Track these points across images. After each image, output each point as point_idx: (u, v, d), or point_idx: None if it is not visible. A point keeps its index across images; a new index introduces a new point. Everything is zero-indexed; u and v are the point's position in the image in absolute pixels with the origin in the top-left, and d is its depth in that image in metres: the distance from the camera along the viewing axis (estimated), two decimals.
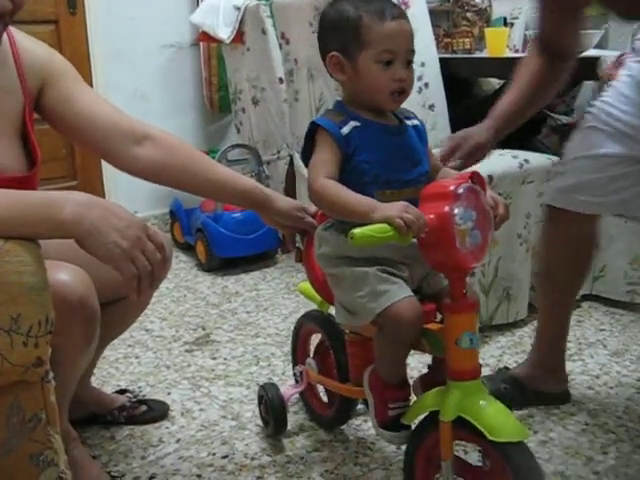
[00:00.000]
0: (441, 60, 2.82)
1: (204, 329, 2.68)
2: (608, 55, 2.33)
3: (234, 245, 3.30)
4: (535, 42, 1.84)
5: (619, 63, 2.16)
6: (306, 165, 1.44)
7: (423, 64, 2.73)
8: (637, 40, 1.88)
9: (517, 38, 3.10)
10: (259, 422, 1.96)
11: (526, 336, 2.44)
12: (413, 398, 1.50)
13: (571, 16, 1.75)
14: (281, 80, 3.37)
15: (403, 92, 1.40)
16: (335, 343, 1.79)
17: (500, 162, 2.37)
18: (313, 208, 1.63)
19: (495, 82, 3.30)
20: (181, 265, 3.50)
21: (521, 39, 3.09)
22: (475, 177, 1.34)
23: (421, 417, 1.44)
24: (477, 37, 3.19)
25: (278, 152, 3.53)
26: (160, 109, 3.80)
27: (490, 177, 2.25)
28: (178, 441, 1.91)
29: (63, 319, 1.23)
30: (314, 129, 1.42)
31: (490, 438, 1.27)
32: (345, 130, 1.38)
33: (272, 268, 3.39)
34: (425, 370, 1.58)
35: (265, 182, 3.35)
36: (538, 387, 1.97)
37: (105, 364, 2.35)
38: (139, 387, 2.20)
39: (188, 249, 3.63)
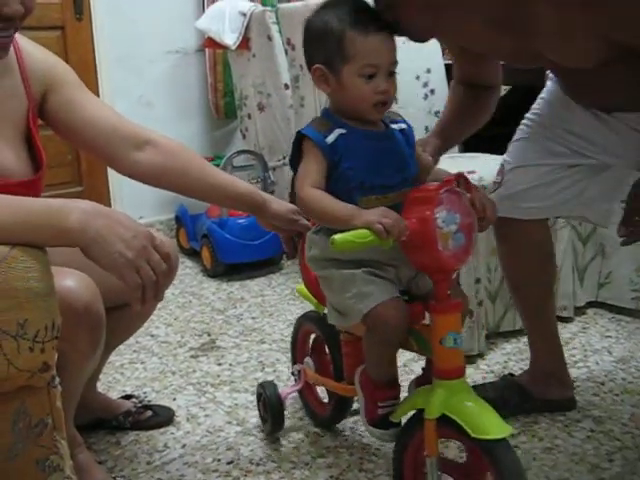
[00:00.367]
0: (447, 67, 2.81)
1: (209, 335, 2.68)
2: None
3: (239, 251, 3.31)
4: (456, 76, 1.87)
5: None
6: (294, 172, 1.48)
7: (429, 70, 2.74)
8: None
9: None
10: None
11: None
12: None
13: (488, 60, 1.79)
14: (287, 86, 3.38)
15: (386, 103, 1.43)
16: (331, 343, 1.84)
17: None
18: None
19: (501, 89, 3.29)
20: (186, 271, 3.50)
21: None
22: (461, 180, 1.38)
23: (410, 415, 1.47)
24: None
25: (284, 158, 3.53)
26: (166, 115, 3.81)
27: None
28: (183, 447, 1.91)
29: (69, 325, 1.23)
30: (300, 139, 1.45)
31: (473, 436, 1.30)
32: (330, 139, 1.42)
33: (277, 274, 3.39)
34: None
35: (271, 188, 3.35)
36: (543, 394, 1.97)
37: (111, 369, 2.36)
38: (144, 392, 2.20)
39: (193, 255, 3.64)
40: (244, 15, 3.48)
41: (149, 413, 2.02)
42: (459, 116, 1.83)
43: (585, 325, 2.58)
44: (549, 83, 1.86)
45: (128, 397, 2.09)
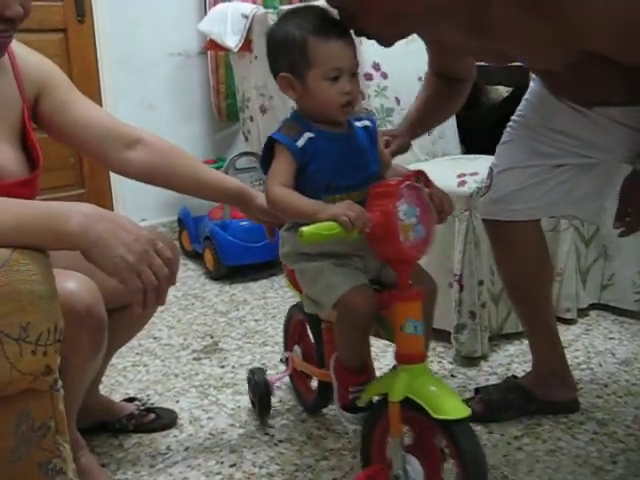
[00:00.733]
0: None
1: (212, 337, 2.68)
2: None
3: (242, 253, 3.30)
4: (430, 67, 1.91)
5: None
6: (265, 173, 1.54)
7: None
8: None
9: None
10: (268, 430, 1.97)
11: None
12: None
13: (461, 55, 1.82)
14: None
15: (351, 103, 1.49)
16: (314, 331, 1.91)
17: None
18: None
19: (503, 90, 3.30)
20: (189, 273, 3.50)
21: None
22: (421, 176, 1.46)
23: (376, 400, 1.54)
24: None
25: None
26: (168, 117, 3.81)
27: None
28: (186, 449, 1.91)
29: (71, 328, 1.23)
30: (272, 142, 1.52)
31: (434, 416, 1.35)
32: (300, 143, 1.49)
33: (280, 276, 3.38)
34: None
35: None
36: (546, 395, 1.97)
37: (113, 372, 2.36)
38: (147, 395, 2.20)
39: (196, 257, 3.64)
40: (246, 17, 3.47)
41: (152, 416, 2.02)
42: (431, 107, 1.90)
43: (588, 327, 2.58)
44: (532, 84, 1.87)
45: (131, 400, 2.09)
